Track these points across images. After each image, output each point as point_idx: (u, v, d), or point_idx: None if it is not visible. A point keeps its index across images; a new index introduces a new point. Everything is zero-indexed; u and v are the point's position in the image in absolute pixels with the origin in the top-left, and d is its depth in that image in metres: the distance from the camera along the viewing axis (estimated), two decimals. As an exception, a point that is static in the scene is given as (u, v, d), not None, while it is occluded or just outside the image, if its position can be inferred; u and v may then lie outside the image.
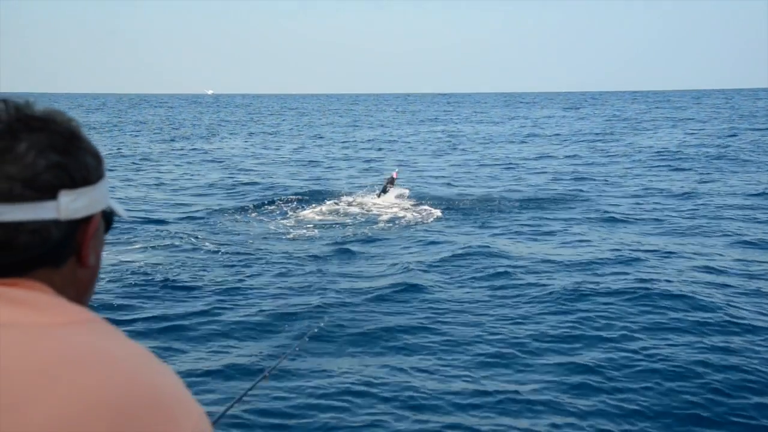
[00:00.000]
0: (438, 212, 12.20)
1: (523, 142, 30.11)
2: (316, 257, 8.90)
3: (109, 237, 0.95)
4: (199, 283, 7.56)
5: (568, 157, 22.74)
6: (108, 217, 0.95)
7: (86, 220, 0.88)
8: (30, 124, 0.83)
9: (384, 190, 13.64)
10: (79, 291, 0.89)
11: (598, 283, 7.47)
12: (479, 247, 9.30)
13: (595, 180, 16.67)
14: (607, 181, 16.48)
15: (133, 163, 21.40)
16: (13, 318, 0.77)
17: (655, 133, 32.69)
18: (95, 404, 0.72)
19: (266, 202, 13.48)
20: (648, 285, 7.29)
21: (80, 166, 0.87)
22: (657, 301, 6.81)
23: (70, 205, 0.85)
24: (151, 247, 9.40)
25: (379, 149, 27.41)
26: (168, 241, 9.70)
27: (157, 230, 10.53)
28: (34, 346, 0.75)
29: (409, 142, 30.79)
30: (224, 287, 7.42)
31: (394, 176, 13.94)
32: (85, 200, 0.87)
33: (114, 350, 0.79)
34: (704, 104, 70.93)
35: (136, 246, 9.42)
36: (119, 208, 0.98)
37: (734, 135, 29.20)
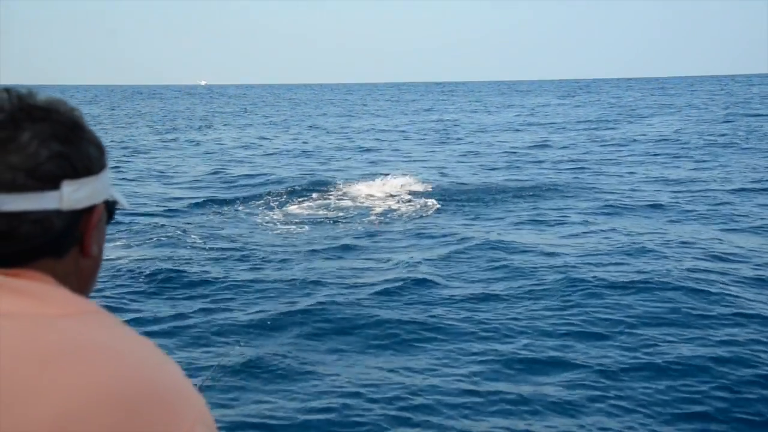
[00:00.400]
0: (433, 203, 12.02)
1: (518, 130, 29.95)
2: (308, 251, 8.72)
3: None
4: (188, 280, 7.37)
5: (565, 146, 22.59)
6: (110, 208, 0.95)
7: (88, 210, 0.88)
8: (32, 114, 0.83)
9: (381, 182, 13.47)
10: (81, 281, 0.90)
11: (598, 275, 7.32)
12: (476, 239, 9.13)
13: (592, 168, 16.55)
14: (604, 169, 16.35)
15: (125, 155, 21.15)
16: (14, 308, 0.76)
17: (652, 120, 32.58)
18: (97, 397, 0.71)
19: (260, 194, 13.29)
20: (650, 276, 7.16)
21: (83, 156, 0.87)
22: (659, 293, 6.67)
23: (73, 195, 0.85)
24: (138, 242, 9.20)
25: (375, 139, 27.22)
26: (156, 236, 9.50)
27: (147, 224, 10.33)
28: (35, 336, 0.74)
29: (405, 132, 30.62)
30: (212, 284, 7.24)
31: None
32: (87, 190, 0.87)
33: (116, 342, 0.79)
34: (699, 91, 70.90)
35: (121, 242, 9.19)
36: (122, 199, 0.98)
37: (730, 121, 29.11)
